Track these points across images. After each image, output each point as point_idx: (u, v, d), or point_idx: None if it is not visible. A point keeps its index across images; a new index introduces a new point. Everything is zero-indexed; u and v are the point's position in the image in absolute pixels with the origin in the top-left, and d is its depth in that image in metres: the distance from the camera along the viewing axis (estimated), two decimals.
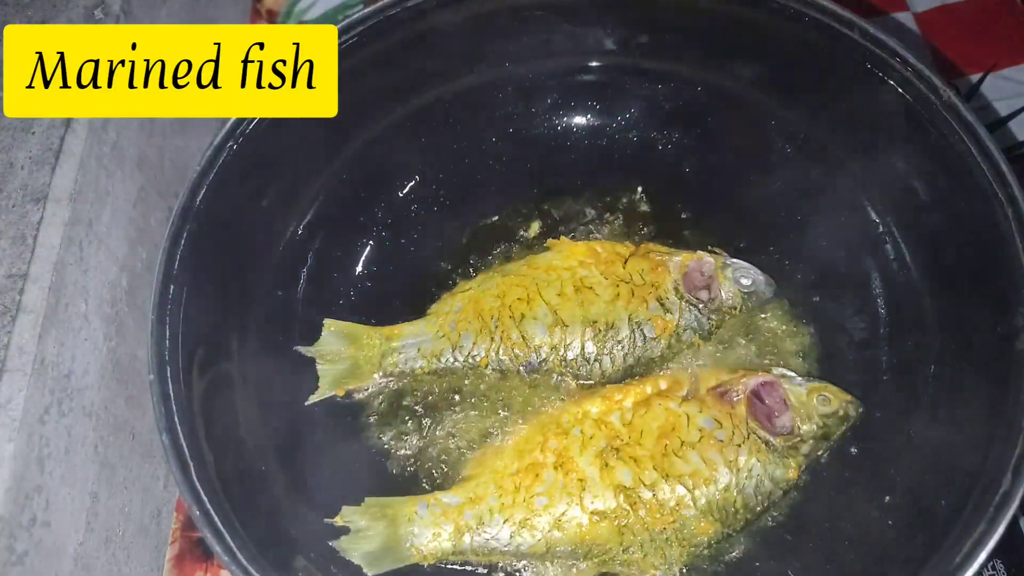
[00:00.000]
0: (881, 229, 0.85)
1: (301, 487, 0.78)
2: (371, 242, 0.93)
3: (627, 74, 0.94)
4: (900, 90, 0.76)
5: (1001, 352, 0.68)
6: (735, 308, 0.84)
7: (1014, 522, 0.61)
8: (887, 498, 0.74)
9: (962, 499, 0.64)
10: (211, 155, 0.77)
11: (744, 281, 0.84)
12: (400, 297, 0.89)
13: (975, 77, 1.08)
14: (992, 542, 0.60)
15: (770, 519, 0.77)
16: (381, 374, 0.84)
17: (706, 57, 0.90)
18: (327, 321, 0.84)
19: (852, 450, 0.79)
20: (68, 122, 0.81)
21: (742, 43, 0.87)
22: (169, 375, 0.70)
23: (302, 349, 0.83)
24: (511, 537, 0.73)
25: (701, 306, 0.83)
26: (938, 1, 1.15)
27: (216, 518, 0.65)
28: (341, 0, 1.23)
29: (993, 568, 0.80)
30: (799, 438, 0.76)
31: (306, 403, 0.82)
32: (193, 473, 0.67)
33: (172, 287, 0.73)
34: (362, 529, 0.74)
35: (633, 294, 0.82)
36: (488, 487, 0.75)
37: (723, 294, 0.83)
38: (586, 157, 0.96)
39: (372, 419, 0.84)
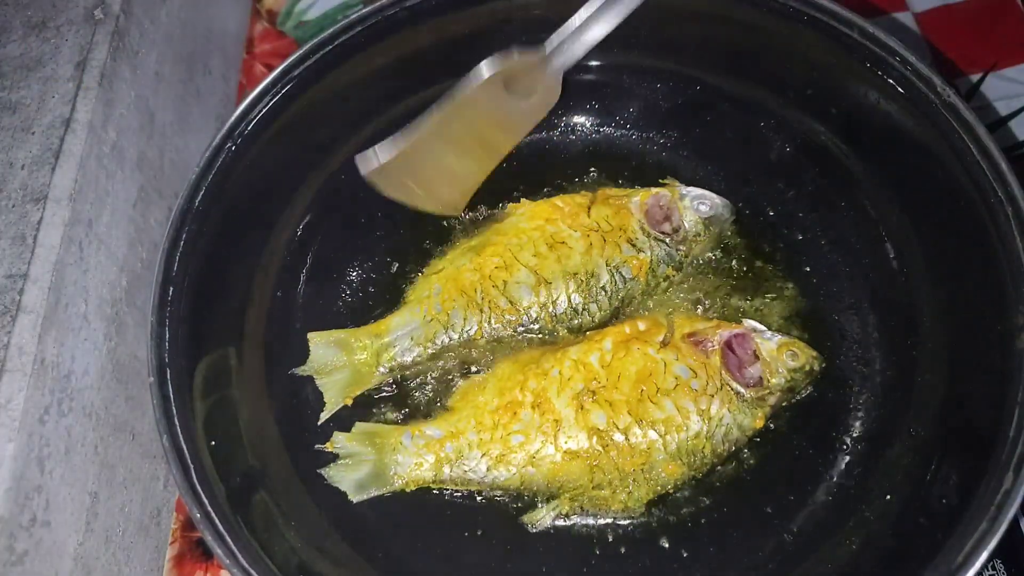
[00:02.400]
0: (881, 229, 0.85)
1: (302, 487, 0.78)
2: (372, 242, 0.93)
3: (626, 73, 0.94)
4: (900, 90, 0.76)
5: (1001, 351, 0.68)
6: (699, 235, 0.87)
7: (1014, 522, 0.61)
8: (888, 497, 0.74)
9: (963, 498, 0.64)
10: (210, 155, 0.78)
11: (703, 208, 0.87)
12: (401, 297, 0.89)
13: (975, 77, 1.08)
14: (993, 542, 0.60)
15: (769, 519, 0.78)
16: (381, 370, 0.83)
17: (706, 56, 0.90)
18: (310, 335, 0.84)
19: (852, 449, 0.79)
20: (68, 122, 0.81)
21: (742, 42, 0.87)
22: (169, 377, 0.70)
23: (297, 371, 0.83)
24: (487, 470, 0.77)
25: (668, 239, 0.86)
26: (938, 1, 1.15)
27: (216, 519, 0.65)
28: (341, 0, 1.23)
29: (993, 568, 0.80)
30: (768, 390, 0.78)
31: (318, 423, 0.81)
32: (193, 475, 0.67)
33: (172, 289, 0.73)
34: (351, 455, 0.78)
35: (605, 240, 0.85)
36: (468, 422, 0.79)
37: (685, 223, 0.87)
38: (586, 156, 0.96)
39: (374, 411, 0.84)
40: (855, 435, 0.80)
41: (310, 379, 0.83)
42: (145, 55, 0.94)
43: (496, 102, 0.81)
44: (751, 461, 0.80)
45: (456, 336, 0.83)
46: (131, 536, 0.83)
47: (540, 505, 0.78)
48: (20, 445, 0.68)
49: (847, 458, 0.79)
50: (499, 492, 0.79)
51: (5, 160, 0.80)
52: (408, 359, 0.84)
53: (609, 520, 0.78)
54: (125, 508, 0.83)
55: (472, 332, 0.83)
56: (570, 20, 0.79)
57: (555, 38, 0.78)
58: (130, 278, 0.87)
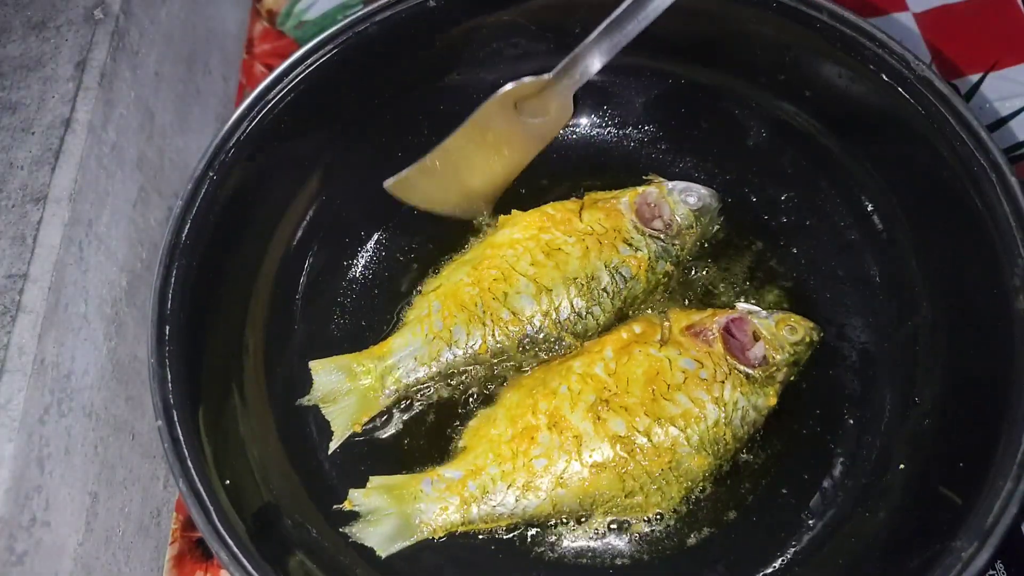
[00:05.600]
0: (866, 205, 0.85)
1: (303, 487, 0.78)
2: (371, 243, 0.93)
3: (624, 73, 0.94)
4: (873, 68, 0.76)
5: (1000, 317, 0.68)
6: (691, 227, 0.88)
7: (1015, 522, 0.61)
8: (888, 497, 0.74)
9: (964, 499, 0.64)
10: (210, 156, 0.77)
11: (691, 200, 0.88)
12: (400, 299, 0.89)
13: (975, 77, 1.08)
14: (996, 542, 0.60)
15: (771, 518, 0.78)
16: (387, 393, 0.82)
17: (675, 49, 0.89)
18: (312, 364, 0.82)
19: (857, 424, 0.80)
20: (68, 122, 0.81)
21: (710, 32, 0.87)
22: (169, 378, 0.70)
23: (303, 401, 0.82)
24: (516, 501, 0.75)
25: (662, 235, 0.86)
26: (938, 1, 1.15)
27: (217, 520, 0.65)
28: (341, 0, 1.23)
29: (993, 568, 0.80)
30: (774, 367, 0.79)
31: (328, 452, 0.81)
32: (194, 476, 0.67)
33: (171, 290, 0.73)
34: (372, 511, 0.76)
35: (601, 243, 0.85)
36: (487, 456, 0.77)
37: (676, 217, 0.87)
38: (562, 157, 0.96)
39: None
40: (856, 429, 0.80)
41: (308, 378, 0.82)
42: (145, 55, 0.94)
43: (509, 123, 0.88)
44: (753, 458, 0.80)
45: (460, 352, 0.82)
46: (131, 536, 0.83)
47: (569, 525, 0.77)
48: (20, 445, 0.68)
49: (850, 434, 0.79)
50: (532, 521, 0.77)
51: (5, 160, 0.80)
52: (413, 379, 0.82)
53: (633, 524, 0.77)
54: (125, 508, 0.83)
55: (476, 347, 0.82)
56: (578, 47, 0.82)
57: (563, 63, 0.83)
58: (130, 278, 0.87)
